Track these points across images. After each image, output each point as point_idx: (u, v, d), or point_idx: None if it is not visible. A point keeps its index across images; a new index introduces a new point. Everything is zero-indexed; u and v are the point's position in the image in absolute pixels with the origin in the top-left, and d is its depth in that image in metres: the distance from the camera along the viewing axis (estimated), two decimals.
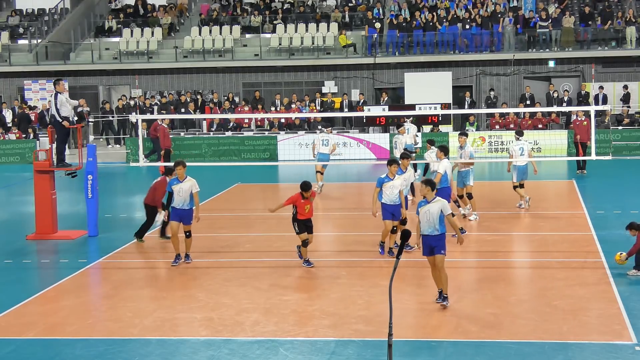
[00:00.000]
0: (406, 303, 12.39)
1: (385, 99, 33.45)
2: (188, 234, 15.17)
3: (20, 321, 12.06)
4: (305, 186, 14.44)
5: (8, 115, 35.51)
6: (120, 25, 39.74)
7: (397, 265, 7.02)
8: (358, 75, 36.27)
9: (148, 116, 31.01)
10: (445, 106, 30.89)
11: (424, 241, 12.11)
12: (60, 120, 17.44)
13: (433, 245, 12.00)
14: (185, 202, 14.98)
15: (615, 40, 35.01)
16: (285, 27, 37.78)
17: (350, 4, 39.22)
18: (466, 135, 18.98)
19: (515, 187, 19.55)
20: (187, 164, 15.47)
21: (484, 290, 13.10)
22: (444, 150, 16.78)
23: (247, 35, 38.54)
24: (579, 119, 26.11)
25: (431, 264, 12.15)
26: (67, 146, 18.95)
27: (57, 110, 17.39)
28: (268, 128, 33.28)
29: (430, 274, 12.23)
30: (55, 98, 17.45)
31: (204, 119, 33.10)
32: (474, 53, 35.27)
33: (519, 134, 20.07)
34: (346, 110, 32.66)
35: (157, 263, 15.73)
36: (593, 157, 18.63)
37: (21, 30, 40.52)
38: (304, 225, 14.57)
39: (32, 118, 34.99)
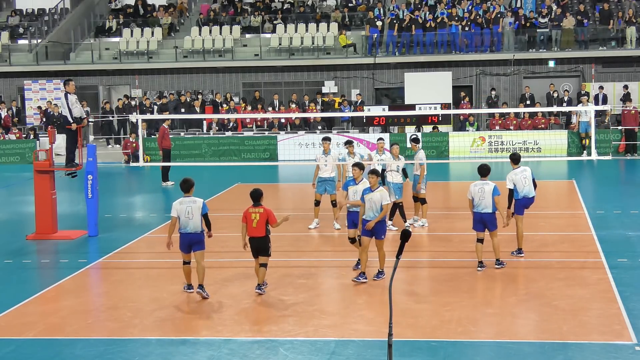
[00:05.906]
0: (406, 303, 12.38)
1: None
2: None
3: (20, 321, 12.05)
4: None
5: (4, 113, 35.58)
6: (120, 25, 39.72)
7: (397, 265, 7.00)
8: (358, 75, 36.26)
9: (148, 116, 31.01)
10: (445, 106, 30.92)
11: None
12: (72, 120, 17.44)
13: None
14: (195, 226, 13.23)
15: (615, 40, 35.02)
16: (285, 27, 37.77)
17: (350, 4, 39.21)
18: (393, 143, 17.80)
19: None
20: (187, 164, 15.40)
21: (484, 290, 13.10)
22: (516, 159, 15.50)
23: (247, 35, 38.53)
24: (628, 108, 29.81)
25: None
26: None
27: (70, 110, 17.39)
28: (268, 128, 33.29)
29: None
30: (66, 98, 17.44)
31: (204, 119, 33.09)
32: (474, 53, 35.27)
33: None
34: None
35: (157, 263, 15.72)
36: (593, 157, 18.64)
37: (21, 30, 40.51)
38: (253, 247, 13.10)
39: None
